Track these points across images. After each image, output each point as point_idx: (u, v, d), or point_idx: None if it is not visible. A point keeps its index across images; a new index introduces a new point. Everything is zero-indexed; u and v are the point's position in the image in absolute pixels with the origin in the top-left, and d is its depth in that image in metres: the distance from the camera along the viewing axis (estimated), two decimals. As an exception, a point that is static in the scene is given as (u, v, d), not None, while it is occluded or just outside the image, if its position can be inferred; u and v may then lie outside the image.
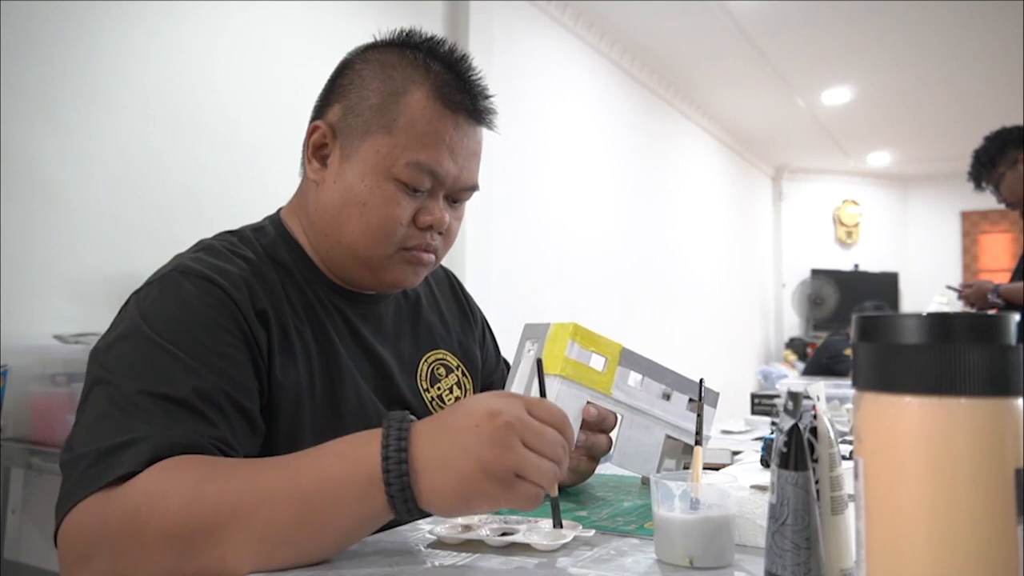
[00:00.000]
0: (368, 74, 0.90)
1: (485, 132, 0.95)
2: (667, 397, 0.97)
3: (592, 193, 4.51)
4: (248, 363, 0.81)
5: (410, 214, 0.88)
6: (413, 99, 0.87)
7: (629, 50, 4.82)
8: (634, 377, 0.96)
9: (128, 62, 2.19)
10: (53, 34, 2.02)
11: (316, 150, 0.91)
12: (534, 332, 0.97)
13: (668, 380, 0.98)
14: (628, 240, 4.94)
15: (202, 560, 0.65)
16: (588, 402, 0.91)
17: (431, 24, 3.26)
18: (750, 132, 6.74)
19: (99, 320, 2.02)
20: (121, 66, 2.17)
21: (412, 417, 0.69)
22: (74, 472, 0.70)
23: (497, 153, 3.49)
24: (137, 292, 0.84)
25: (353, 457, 0.67)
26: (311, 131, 0.91)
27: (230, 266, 0.85)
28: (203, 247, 0.89)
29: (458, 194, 0.93)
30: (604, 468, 1.08)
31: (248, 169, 2.48)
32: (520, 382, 0.93)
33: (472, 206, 0.96)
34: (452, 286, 1.17)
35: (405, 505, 0.65)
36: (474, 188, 0.94)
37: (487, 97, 0.93)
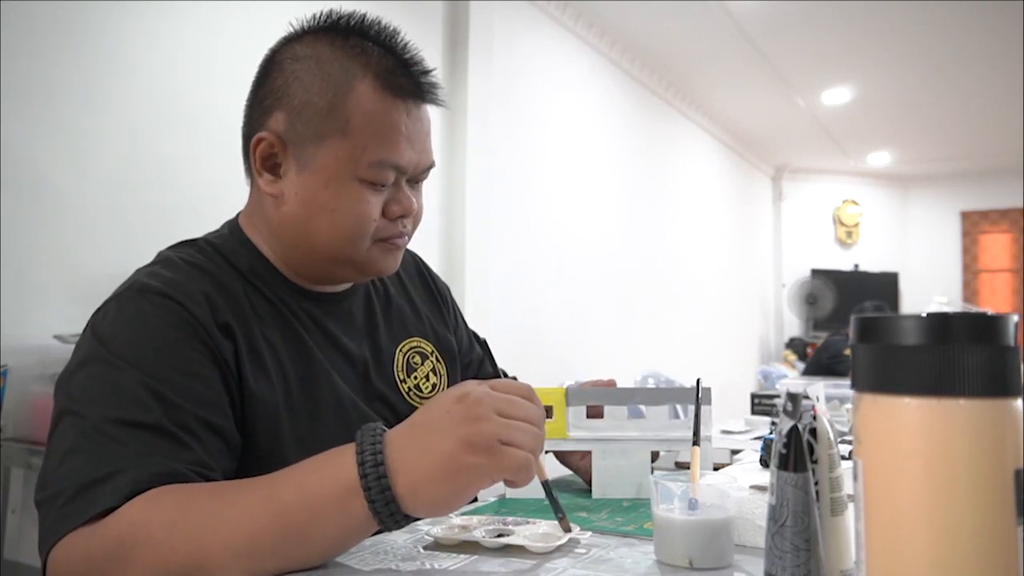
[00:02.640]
0: (304, 74, 0.86)
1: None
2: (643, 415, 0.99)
3: (592, 193, 4.51)
4: (216, 378, 0.78)
5: (379, 209, 0.87)
6: (360, 95, 0.84)
7: (629, 50, 4.82)
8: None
9: (128, 62, 2.19)
10: (53, 34, 2.02)
11: (265, 161, 0.88)
12: None
13: (637, 398, 0.98)
14: (628, 240, 4.93)
15: None
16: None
17: (431, 24, 3.26)
18: (750, 132, 6.74)
19: (99, 320, 2.03)
20: (121, 66, 2.17)
21: (384, 428, 0.69)
22: (52, 509, 0.68)
23: (497, 153, 3.49)
24: (95, 313, 0.81)
25: (330, 468, 0.66)
26: (256, 143, 0.87)
27: (188, 279, 0.83)
28: (160, 260, 0.87)
29: (419, 176, 0.92)
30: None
31: (248, 169, 2.48)
32: None
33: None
34: (419, 270, 1.15)
35: (388, 509, 0.64)
36: (431, 167, 0.93)
37: (428, 72, 0.89)
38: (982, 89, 5.46)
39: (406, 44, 0.89)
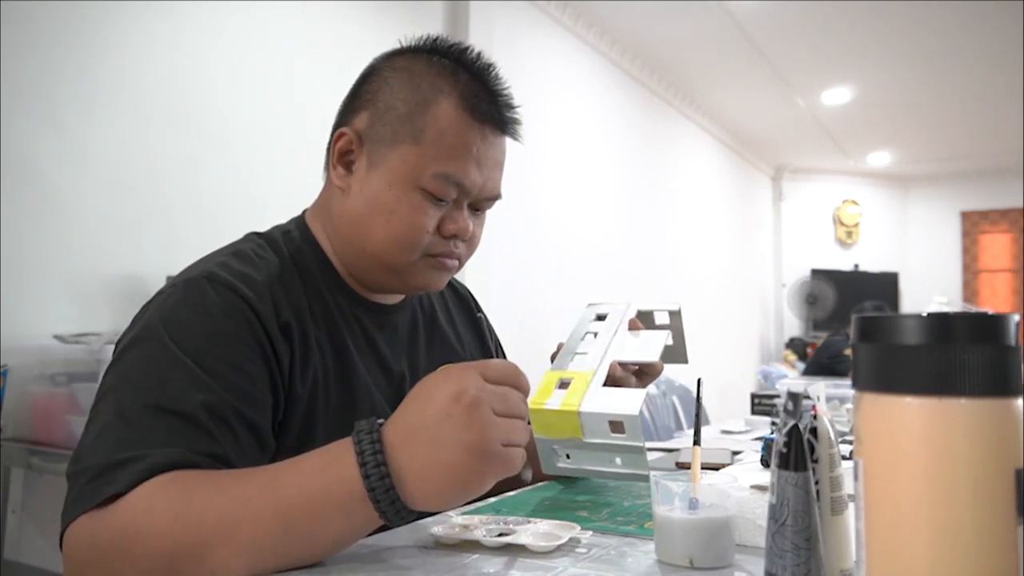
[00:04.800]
0: (396, 82, 0.90)
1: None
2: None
3: (592, 193, 4.51)
4: (265, 378, 0.80)
5: (435, 223, 0.89)
6: (441, 109, 0.88)
7: (629, 50, 4.82)
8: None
9: (127, 62, 2.19)
10: (53, 34, 2.02)
11: (341, 156, 0.91)
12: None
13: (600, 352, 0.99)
14: (628, 240, 4.93)
15: (191, 574, 0.65)
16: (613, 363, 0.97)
17: (431, 24, 3.26)
18: (750, 132, 6.74)
19: (99, 320, 2.03)
20: (120, 66, 2.17)
21: (380, 421, 0.68)
22: (75, 487, 0.70)
23: (497, 153, 3.48)
24: (161, 292, 0.83)
25: (333, 473, 0.66)
26: (337, 137, 0.91)
27: (257, 274, 0.85)
28: (233, 251, 0.89)
29: (481, 203, 0.94)
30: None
31: (247, 169, 2.48)
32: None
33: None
34: (469, 306, 1.19)
35: (398, 515, 0.65)
36: (497, 197, 0.96)
37: (512, 107, 0.93)
38: (982, 89, 5.46)
39: (498, 77, 0.93)
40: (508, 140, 0.95)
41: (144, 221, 2.18)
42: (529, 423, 0.73)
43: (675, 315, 1.07)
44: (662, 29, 4.54)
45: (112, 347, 1.83)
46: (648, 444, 1.02)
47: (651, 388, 1.10)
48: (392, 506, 0.64)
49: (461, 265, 0.96)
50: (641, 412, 0.90)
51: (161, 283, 2.08)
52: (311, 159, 2.91)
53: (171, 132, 2.28)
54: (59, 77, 2.03)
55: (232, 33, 2.47)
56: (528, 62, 3.89)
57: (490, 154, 0.91)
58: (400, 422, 0.68)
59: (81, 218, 2.06)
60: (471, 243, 0.95)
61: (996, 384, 0.40)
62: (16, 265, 1.91)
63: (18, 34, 1.93)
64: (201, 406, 0.73)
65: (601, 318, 1.06)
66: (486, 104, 0.89)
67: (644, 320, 1.07)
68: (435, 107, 0.88)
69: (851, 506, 0.50)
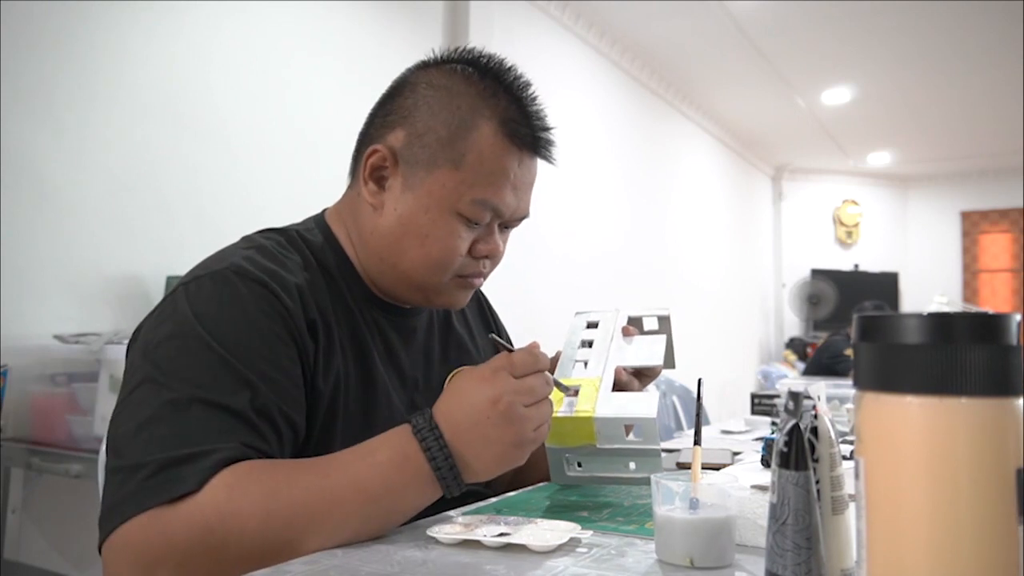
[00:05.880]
0: (435, 102, 0.88)
1: None
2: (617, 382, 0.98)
3: (592, 194, 4.51)
4: (299, 374, 0.82)
5: (468, 245, 0.90)
6: (482, 135, 0.87)
7: (629, 50, 4.82)
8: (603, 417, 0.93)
9: (127, 62, 2.19)
10: (53, 34, 2.02)
11: (373, 171, 0.90)
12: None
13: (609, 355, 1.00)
14: (628, 241, 4.93)
15: (278, 563, 0.68)
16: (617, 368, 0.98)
17: (431, 24, 3.26)
18: (750, 132, 6.74)
19: (99, 320, 2.03)
20: (120, 66, 2.17)
21: (435, 422, 0.76)
22: (129, 482, 0.69)
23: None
24: (186, 285, 0.81)
25: (408, 466, 0.74)
26: (370, 153, 0.90)
27: (283, 271, 0.84)
28: (255, 246, 0.88)
29: (511, 223, 0.95)
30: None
31: (246, 168, 2.48)
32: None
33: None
34: (481, 306, 1.19)
35: (459, 489, 0.77)
36: (526, 217, 0.97)
37: (548, 129, 0.93)
38: (982, 89, 5.46)
39: (535, 97, 0.93)
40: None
41: (144, 221, 2.18)
42: (555, 383, 0.83)
43: (664, 320, 1.07)
44: (662, 29, 4.54)
45: (111, 347, 1.82)
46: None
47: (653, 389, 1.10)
48: (456, 483, 0.76)
49: (484, 280, 0.97)
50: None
51: (161, 283, 2.10)
52: (310, 158, 2.91)
53: (171, 132, 2.29)
54: (59, 77, 2.03)
55: (231, 33, 2.47)
56: (528, 62, 3.86)
57: (525, 178, 0.92)
58: (449, 420, 0.76)
59: (81, 218, 2.06)
60: (495, 259, 0.96)
61: (997, 384, 0.40)
62: (16, 265, 1.91)
63: (18, 34, 1.94)
64: (248, 404, 0.74)
65: (593, 325, 1.06)
66: (525, 129, 0.90)
67: (633, 325, 1.08)
68: (476, 132, 0.87)
69: (852, 505, 0.50)
